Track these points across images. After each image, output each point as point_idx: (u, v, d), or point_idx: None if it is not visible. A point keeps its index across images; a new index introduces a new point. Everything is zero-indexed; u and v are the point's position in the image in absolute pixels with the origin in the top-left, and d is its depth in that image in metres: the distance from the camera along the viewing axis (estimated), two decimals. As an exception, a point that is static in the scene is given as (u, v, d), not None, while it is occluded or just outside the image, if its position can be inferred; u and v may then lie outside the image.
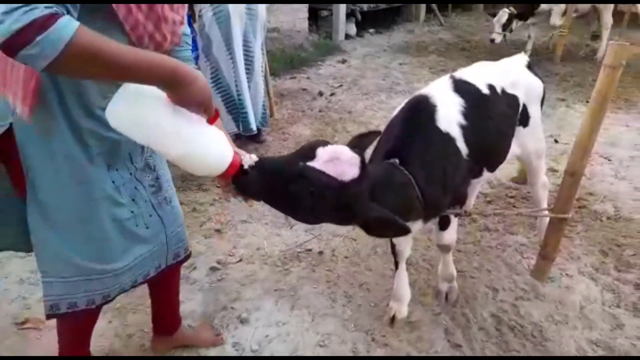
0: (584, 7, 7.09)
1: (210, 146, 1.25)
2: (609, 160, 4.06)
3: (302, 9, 7.94)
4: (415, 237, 2.55)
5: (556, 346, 2.15)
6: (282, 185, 1.33)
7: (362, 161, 1.41)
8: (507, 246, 2.84)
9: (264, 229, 3.00)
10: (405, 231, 1.44)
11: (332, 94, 5.67)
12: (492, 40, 7.06)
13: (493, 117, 2.06)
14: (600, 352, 2.14)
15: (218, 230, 2.96)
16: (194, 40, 3.44)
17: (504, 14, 6.88)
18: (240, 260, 2.70)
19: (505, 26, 6.93)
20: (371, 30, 9.68)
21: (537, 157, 2.53)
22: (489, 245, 2.84)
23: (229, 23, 3.48)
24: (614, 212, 3.24)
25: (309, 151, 1.39)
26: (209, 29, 3.53)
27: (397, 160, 1.72)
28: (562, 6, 6.94)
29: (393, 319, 2.24)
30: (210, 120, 1.25)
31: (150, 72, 1.06)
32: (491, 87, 2.10)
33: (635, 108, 5.37)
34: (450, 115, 1.88)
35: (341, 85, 6.05)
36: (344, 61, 7.32)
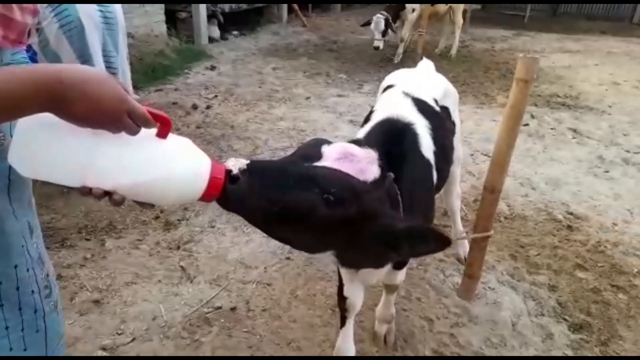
0: (443, 9, 7.57)
1: (173, 163, 0.91)
2: (488, 156, 4.24)
3: (158, 12, 7.15)
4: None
5: (502, 374, 2.06)
6: (286, 193, 1.02)
7: (380, 158, 1.17)
8: (427, 265, 2.73)
9: (157, 289, 2.46)
10: (446, 243, 1.11)
11: (208, 107, 5.14)
12: (376, 48, 7.13)
13: (446, 136, 1.96)
14: (540, 370, 2.11)
15: (97, 302, 2.34)
16: (33, 60, 2.67)
17: (379, 20, 6.95)
18: (134, 339, 2.14)
19: (385, 31, 7.03)
20: (235, 33, 9.23)
21: (458, 164, 2.47)
22: (410, 267, 2.69)
23: (82, 35, 2.75)
24: (508, 211, 3.36)
25: (311, 150, 1.13)
26: (56, 45, 2.72)
27: (392, 175, 1.27)
28: (417, 14, 7.30)
29: None
30: (161, 131, 0.90)
31: (22, 95, 0.73)
32: (435, 102, 2.02)
33: (495, 102, 5.81)
34: (427, 141, 1.71)
35: (216, 96, 5.54)
36: (213, 68, 6.78)
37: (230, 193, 0.98)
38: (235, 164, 0.99)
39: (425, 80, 2.24)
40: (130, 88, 4.46)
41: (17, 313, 1.03)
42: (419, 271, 2.67)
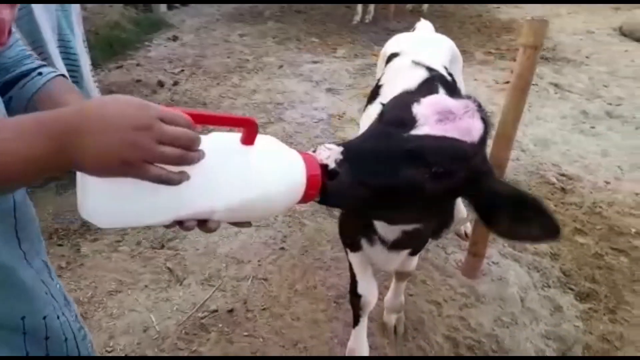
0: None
1: (269, 173, 0.78)
2: (474, 119, 4.14)
3: (109, -21, 6.58)
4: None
5: (517, 354, 2.00)
6: (391, 177, 0.92)
7: (479, 104, 1.01)
8: (428, 243, 2.62)
9: (144, 295, 2.27)
10: (556, 232, 0.98)
11: (175, 83, 4.79)
12: None
13: None
14: (553, 345, 2.06)
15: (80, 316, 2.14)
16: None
17: None
18: (126, 355, 1.97)
19: None
20: (195, -3, 8.65)
21: None
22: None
23: (31, 18, 2.42)
24: (502, 177, 3.27)
25: (402, 113, 0.98)
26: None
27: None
28: None
29: None
30: (247, 137, 0.76)
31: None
32: (445, 69, 1.85)
33: (474, 59, 5.66)
34: None
35: (182, 70, 5.18)
36: (175, 38, 6.34)
37: (331, 190, 0.87)
38: (330, 155, 0.87)
39: (432, 46, 2.06)
40: (87, 69, 4.09)
41: None
42: (422, 252, 2.57)
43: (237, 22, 7.29)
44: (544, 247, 2.61)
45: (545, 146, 3.69)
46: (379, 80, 1.97)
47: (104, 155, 0.61)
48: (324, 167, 0.87)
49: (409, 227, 1.26)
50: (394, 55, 2.00)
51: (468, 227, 2.76)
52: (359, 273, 1.70)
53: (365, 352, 1.88)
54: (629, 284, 2.37)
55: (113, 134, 0.61)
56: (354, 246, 1.57)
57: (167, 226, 0.74)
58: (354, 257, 1.67)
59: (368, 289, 1.71)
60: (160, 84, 4.73)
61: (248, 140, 0.76)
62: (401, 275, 1.94)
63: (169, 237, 2.64)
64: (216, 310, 2.18)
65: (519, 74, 1.90)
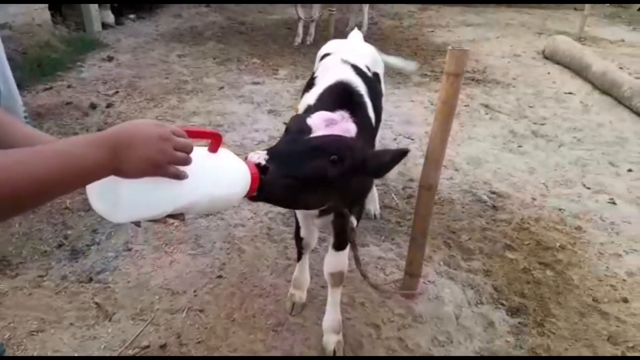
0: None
1: (231, 173, 1.10)
2: (411, 139, 4.28)
3: (38, -4, 6.29)
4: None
5: (452, 373, 2.05)
6: (304, 167, 1.26)
7: (351, 114, 1.52)
8: (367, 264, 2.65)
9: (69, 334, 2.12)
10: (404, 153, 1.44)
11: (108, 105, 4.62)
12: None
13: (379, 98, 2.15)
14: (487, 362, 2.12)
15: (-6, 362, 1.97)
16: None
17: None
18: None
19: None
20: (132, 16, 8.45)
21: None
22: (350, 270, 2.59)
23: None
24: (437, 197, 3.36)
25: (301, 126, 1.35)
26: None
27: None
28: None
29: (293, 305, 2.27)
30: (213, 146, 1.05)
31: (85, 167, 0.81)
32: (367, 68, 2.21)
33: (410, 81, 5.87)
34: (369, 102, 1.87)
35: (117, 92, 5.00)
36: (110, 58, 6.13)
37: (266, 183, 1.16)
38: (260, 156, 1.18)
39: (358, 49, 2.44)
40: (15, 89, 3.87)
41: None
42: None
43: (176, 42, 7.17)
44: (476, 264, 2.71)
45: (478, 165, 3.86)
46: (313, 73, 2.25)
47: (144, 160, 0.84)
48: (258, 165, 1.16)
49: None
50: (326, 55, 2.35)
51: (377, 209, 3.07)
52: (301, 222, 2.08)
53: (307, 281, 2.31)
54: (554, 296, 2.49)
55: (150, 145, 0.84)
56: None
57: (161, 220, 0.99)
58: (297, 213, 2.05)
59: (308, 234, 2.13)
60: (93, 106, 4.54)
61: (214, 148, 1.04)
62: (333, 278, 2.05)
63: (98, 270, 2.50)
64: (148, 346, 2.07)
65: (444, 100, 1.98)
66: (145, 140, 0.84)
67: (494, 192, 3.45)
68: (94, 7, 7.27)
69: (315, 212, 1.79)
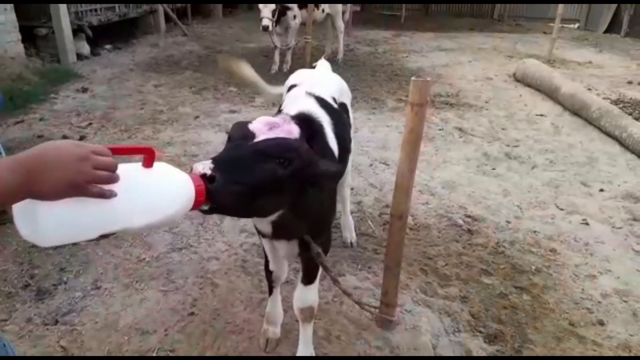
0: (321, 16, 7.58)
1: (168, 188, 1.03)
2: (387, 164, 4.30)
3: (11, 30, 6.25)
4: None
5: (430, 407, 2.00)
6: (252, 172, 1.23)
7: (292, 118, 1.50)
8: (342, 295, 2.60)
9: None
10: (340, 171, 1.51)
11: (81, 138, 4.55)
12: (265, 28, 6.70)
13: (344, 129, 2.12)
14: (465, 392, 2.09)
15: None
16: None
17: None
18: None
19: (274, 12, 6.69)
20: (108, 47, 8.46)
21: (350, 155, 2.50)
22: (326, 302, 2.55)
23: None
24: (413, 222, 3.38)
25: (243, 132, 1.34)
26: None
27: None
28: (298, 21, 7.26)
29: (267, 341, 2.23)
30: (148, 162, 0.99)
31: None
32: (334, 100, 2.21)
33: (385, 106, 5.95)
34: (330, 133, 1.87)
35: (90, 124, 4.95)
36: (84, 90, 6.09)
37: (214, 192, 1.11)
38: (205, 166, 1.14)
39: (323, 80, 2.44)
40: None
41: None
42: (335, 304, 2.54)
43: (153, 71, 7.17)
44: (453, 290, 2.69)
45: (453, 188, 3.89)
46: (280, 105, 2.26)
47: (60, 181, 0.82)
48: (204, 176, 1.11)
49: (274, 218, 1.50)
50: (293, 86, 2.35)
51: (354, 237, 3.06)
52: (269, 254, 2.06)
53: (280, 316, 2.27)
54: (531, 321, 2.48)
55: (66, 165, 0.83)
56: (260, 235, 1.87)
57: (95, 239, 0.94)
58: (263, 242, 2.01)
59: (277, 267, 2.11)
60: (65, 139, 4.45)
61: (148, 164, 0.99)
62: (303, 313, 2.02)
63: (64, 311, 2.41)
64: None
65: (410, 129, 2.00)
66: (61, 161, 0.83)
67: (469, 216, 3.47)
68: (68, 39, 7.25)
69: (286, 247, 1.78)
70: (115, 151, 0.94)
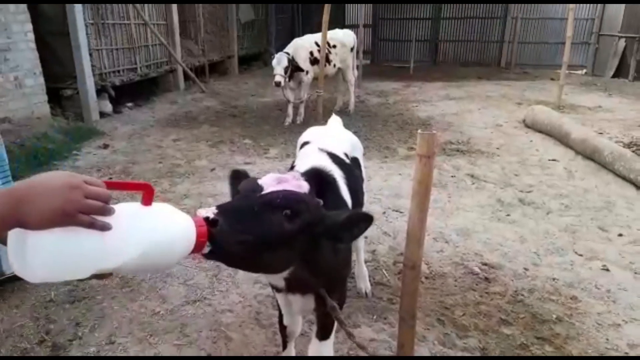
0: (332, 71, 7.87)
1: (166, 229, 0.99)
2: (401, 212, 4.31)
3: (39, 92, 6.60)
4: None
5: None
6: (257, 221, 1.20)
7: (303, 174, 1.53)
8: (357, 349, 2.56)
9: None
10: (370, 219, 1.40)
11: (101, 193, 4.68)
12: (277, 84, 7.01)
13: (357, 182, 2.16)
14: None
15: None
16: None
17: (282, 56, 7.01)
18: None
19: (287, 68, 7.01)
20: (129, 105, 8.81)
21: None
22: (342, 355, 2.51)
23: None
24: (428, 270, 3.35)
25: (252, 186, 1.35)
26: None
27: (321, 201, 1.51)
28: (311, 76, 7.55)
29: None
30: (146, 199, 0.97)
31: None
32: (346, 155, 2.26)
33: (397, 155, 6.03)
34: (343, 187, 1.91)
35: (110, 178, 5.09)
36: (106, 146, 6.32)
37: (216, 235, 1.10)
38: (208, 211, 1.14)
39: (335, 137, 2.50)
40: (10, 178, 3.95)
41: None
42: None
43: (171, 127, 7.43)
44: (472, 341, 2.62)
45: (467, 236, 3.86)
46: (293, 162, 2.33)
47: (49, 209, 0.81)
48: (207, 219, 1.10)
49: (286, 274, 1.47)
50: (305, 143, 2.39)
51: (368, 287, 3.03)
52: (282, 308, 2.06)
53: None
54: (555, 373, 2.39)
55: (56, 194, 0.82)
56: (273, 288, 1.89)
57: (87, 279, 0.91)
58: (277, 297, 2.02)
59: (291, 321, 2.11)
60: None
61: (147, 201, 0.96)
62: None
63: (79, 367, 2.40)
64: None
65: (419, 180, 2.04)
66: (51, 189, 0.83)
67: (485, 264, 3.42)
68: (92, 99, 7.61)
69: (301, 301, 1.75)
70: (110, 185, 0.92)
